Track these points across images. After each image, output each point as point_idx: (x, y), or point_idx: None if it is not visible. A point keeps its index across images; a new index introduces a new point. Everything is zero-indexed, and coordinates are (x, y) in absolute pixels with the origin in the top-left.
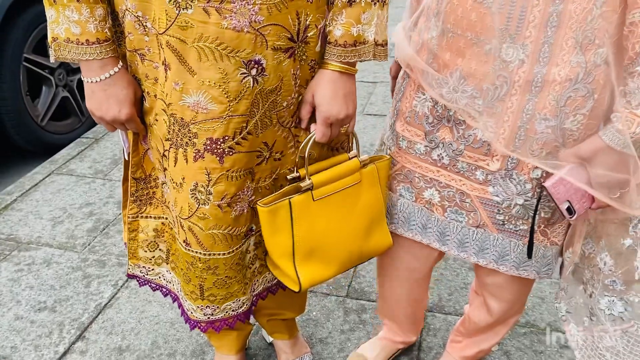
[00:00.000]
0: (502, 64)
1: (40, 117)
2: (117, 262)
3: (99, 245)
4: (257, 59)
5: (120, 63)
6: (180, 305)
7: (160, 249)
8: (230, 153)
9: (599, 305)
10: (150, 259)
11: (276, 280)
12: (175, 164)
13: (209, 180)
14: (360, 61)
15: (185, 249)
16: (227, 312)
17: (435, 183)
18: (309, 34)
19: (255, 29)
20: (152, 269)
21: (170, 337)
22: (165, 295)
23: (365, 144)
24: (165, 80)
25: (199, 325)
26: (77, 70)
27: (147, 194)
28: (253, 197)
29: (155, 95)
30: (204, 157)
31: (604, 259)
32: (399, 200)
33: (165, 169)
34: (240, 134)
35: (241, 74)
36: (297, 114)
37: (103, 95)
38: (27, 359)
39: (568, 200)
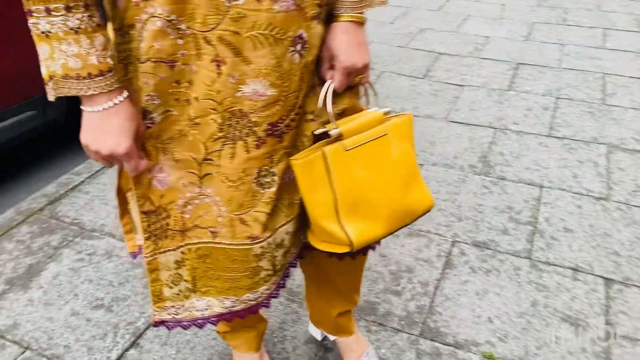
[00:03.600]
0: None
1: None
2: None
3: None
4: (299, 34)
5: (125, 92)
6: (231, 317)
7: (185, 280)
8: (287, 130)
9: None
10: (178, 294)
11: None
12: (232, 159)
13: (271, 162)
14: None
15: (252, 244)
16: (284, 270)
17: None
18: None
19: (297, 5)
20: (182, 305)
21: (227, 357)
22: (200, 327)
23: (449, 156)
24: (219, 76)
25: (271, 297)
26: None
27: (160, 227)
28: None
29: (187, 100)
30: (265, 142)
31: None
32: None
33: (204, 176)
34: (294, 111)
35: (290, 52)
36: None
37: (101, 125)
38: None
39: None
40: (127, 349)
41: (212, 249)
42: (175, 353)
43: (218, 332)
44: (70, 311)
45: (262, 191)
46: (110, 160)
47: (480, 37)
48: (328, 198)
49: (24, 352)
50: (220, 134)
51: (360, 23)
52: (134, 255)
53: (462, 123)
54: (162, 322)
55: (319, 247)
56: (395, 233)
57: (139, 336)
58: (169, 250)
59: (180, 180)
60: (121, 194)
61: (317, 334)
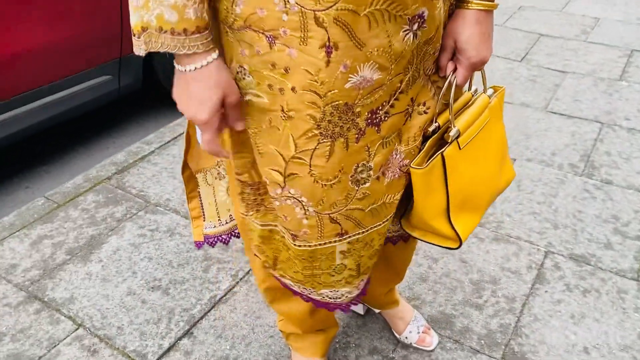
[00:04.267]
0: None
1: None
2: (241, 248)
3: None
4: (420, 12)
5: (216, 53)
6: (307, 299)
7: (267, 255)
8: (386, 118)
9: None
10: (261, 256)
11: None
12: (328, 157)
13: (369, 156)
14: None
15: (341, 239)
16: (368, 274)
17: None
18: None
19: None
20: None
21: (284, 358)
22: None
23: (546, 152)
24: (327, 65)
25: (351, 304)
26: None
27: (254, 200)
28: (406, 161)
29: (281, 90)
30: (365, 134)
31: None
32: None
33: (289, 175)
34: (394, 96)
35: (403, 31)
36: (436, 61)
37: (187, 87)
38: (130, 346)
39: None
40: (180, 338)
41: (293, 246)
42: (229, 348)
43: (282, 331)
44: (126, 290)
45: (357, 188)
46: (193, 123)
47: (589, 18)
48: (441, 200)
49: (76, 330)
50: (317, 131)
51: (491, 11)
52: (198, 244)
53: (563, 115)
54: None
55: (413, 234)
56: (480, 237)
57: (194, 325)
58: (256, 223)
59: (269, 173)
60: (190, 176)
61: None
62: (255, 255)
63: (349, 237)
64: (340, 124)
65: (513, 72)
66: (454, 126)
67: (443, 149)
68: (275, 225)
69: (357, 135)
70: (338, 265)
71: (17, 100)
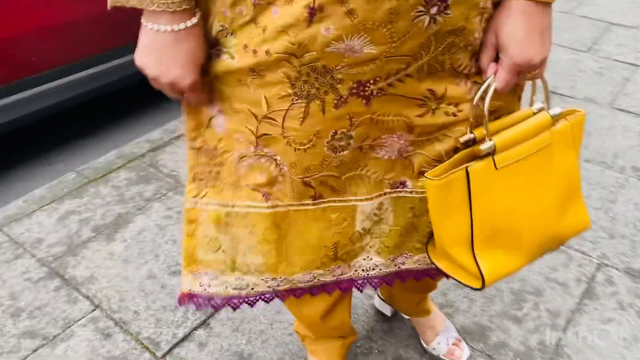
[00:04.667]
0: None
1: None
2: None
3: None
4: None
5: (199, 14)
6: (272, 297)
7: (223, 250)
8: (379, 95)
9: None
10: (213, 263)
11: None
12: (302, 120)
13: (351, 125)
14: None
15: (314, 203)
16: (355, 270)
17: None
18: None
19: None
20: (216, 277)
21: (301, 358)
22: (234, 308)
23: (608, 152)
24: (308, 26)
25: (327, 288)
26: None
27: (209, 172)
28: (410, 148)
29: (255, 51)
30: (347, 102)
31: None
32: None
33: (261, 135)
34: (395, 75)
35: (416, 11)
36: (476, 58)
37: (168, 50)
38: (143, 333)
39: None
40: (195, 328)
41: (262, 216)
42: (245, 343)
43: (297, 332)
44: (147, 273)
45: (334, 155)
46: (169, 90)
47: None
48: (463, 226)
49: (93, 311)
50: (291, 91)
51: (545, 3)
52: None
53: (631, 113)
54: (190, 297)
55: (438, 265)
56: None
57: (211, 315)
58: (212, 204)
59: (234, 134)
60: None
61: (386, 309)
62: (203, 264)
63: (324, 201)
64: (317, 86)
65: (578, 63)
66: (489, 139)
67: (470, 163)
68: (233, 207)
69: (336, 101)
70: (314, 245)
71: (61, 70)
